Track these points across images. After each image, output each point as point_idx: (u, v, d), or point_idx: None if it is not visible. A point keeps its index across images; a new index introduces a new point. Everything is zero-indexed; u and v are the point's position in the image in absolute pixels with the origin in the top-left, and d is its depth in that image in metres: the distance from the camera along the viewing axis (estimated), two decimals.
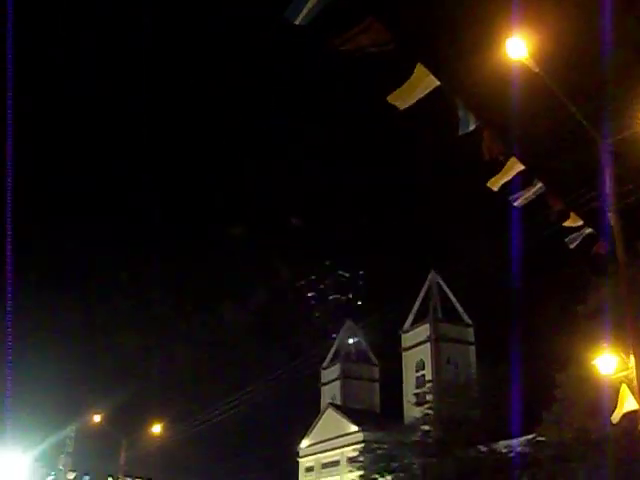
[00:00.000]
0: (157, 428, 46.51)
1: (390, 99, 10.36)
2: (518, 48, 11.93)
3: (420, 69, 10.12)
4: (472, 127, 11.11)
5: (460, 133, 11.02)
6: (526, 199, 12.93)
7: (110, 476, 53.90)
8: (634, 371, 12.90)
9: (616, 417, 13.77)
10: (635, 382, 12.84)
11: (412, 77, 10.17)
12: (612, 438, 24.10)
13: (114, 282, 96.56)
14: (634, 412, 13.12)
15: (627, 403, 13.27)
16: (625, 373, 13.29)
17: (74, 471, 65.36)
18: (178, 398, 71.88)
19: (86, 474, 62.02)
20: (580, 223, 13.67)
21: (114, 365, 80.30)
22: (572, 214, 13.63)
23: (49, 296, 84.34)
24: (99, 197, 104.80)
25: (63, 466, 69.65)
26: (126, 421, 50.83)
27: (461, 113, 10.96)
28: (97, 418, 45.94)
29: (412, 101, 10.37)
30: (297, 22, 8.92)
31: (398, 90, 10.25)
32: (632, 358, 13.02)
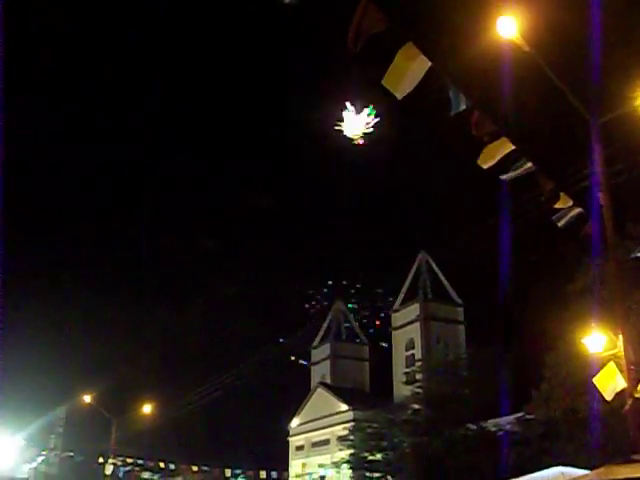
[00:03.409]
0: (147, 408, 46.53)
1: (384, 82, 10.27)
2: (508, 27, 11.84)
3: (410, 48, 10.03)
4: (463, 107, 11.05)
5: (452, 113, 10.97)
6: (514, 174, 12.88)
7: (101, 456, 53.91)
8: (622, 350, 12.96)
9: (609, 394, 13.75)
10: (623, 360, 12.90)
11: (402, 56, 10.07)
12: (600, 416, 24.28)
13: (104, 266, 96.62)
14: (621, 390, 13.17)
15: (615, 382, 13.31)
16: (613, 352, 13.33)
17: (66, 451, 65.49)
18: (169, 378, 71.96)
19: (78, 455, 62.12)
20: (570, 204, 13.66)
21: (104, 346, 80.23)
22: (562, 194, 13.62)
23: (39, 280, 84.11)
24: (86, 197, 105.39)
25: (53, 447, 69.83)
26: (116, 401, 50.86)
27: (452, 93, 10.90)
28: (87, 399, 45.92)
29: (409, 88, 10.29)
30: (286, 1, 8.91)
31: (389, 71, 10.15)
32: (620, 337, 13.07)
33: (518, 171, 12.76)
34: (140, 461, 63.22)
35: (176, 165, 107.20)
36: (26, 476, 69.21)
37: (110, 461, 45.52)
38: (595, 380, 13.54)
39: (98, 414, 46.95)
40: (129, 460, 62.02)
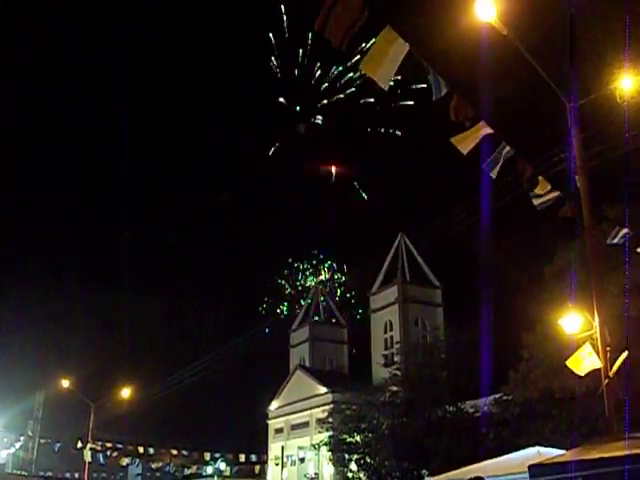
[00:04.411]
0: (126, 392, 46.44)
1: (362, 67, 10.25)
2: (487, 10, 11.83)
3: (389, 33, 10.00)
4: (444, 91, 11.04)
5: (434, 98, 10.96)
6: (498, 165, 12.91)
7: (79, 440, 53.81)
8: (598, 331, 13.11)
9: (581, 371, 13.85)
10: (599, 342, 13.06)
11: (381, 41, 10.05)
12: (576, 396, 24.57)
13: (79, 252, 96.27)
14: (597, 371, 13.32)
15: (590, 361, 13.45)
16: (589, 333, 13.46)
17: (44, 437, 65.22)
18: (147, 361, 71.83)
19: (56, 440, 61.85)
20: (548, 188, 13.75)
21: (82, 331, 79.84)
22: (541, 179, 13.71)
23: (14, 268, 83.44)
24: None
25: (32, 432, 69.52)
26: (95, 385, 50.77)
27: (431, 78, 10.88)
28: (65, 383, 45.72)
29: (388, 73, 10.27)
30: None
31: (368, 57, 10.12)
32: (596, 318, 13.21)
33: (500, 161, 12.80)
34: (119, 445, 63.13)
35: (141, 156, 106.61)
36: (4, 462, 68.95)
37: (89, 446, 45.41)
38: (568, 362, 13.68)
39: (77, 399, 46.82)
40: (108, 445, 61.88)
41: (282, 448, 60.49)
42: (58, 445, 61.68)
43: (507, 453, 19.94)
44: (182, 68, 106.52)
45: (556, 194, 13.81)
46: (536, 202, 13.90)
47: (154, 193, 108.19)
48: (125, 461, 63.95)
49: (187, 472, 65.73)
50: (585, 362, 13.41)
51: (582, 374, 13.70)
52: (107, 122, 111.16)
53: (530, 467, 10.81)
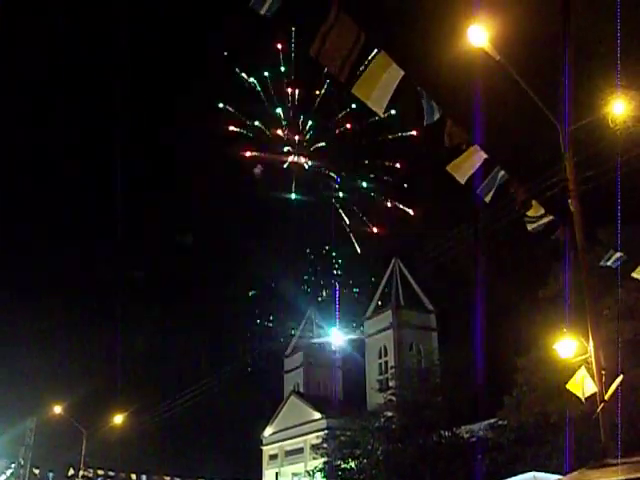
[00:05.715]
0: (119, 419, 46.11)
1: (355, 91, 10.26)
2: (479, 36, 11.94)
3: (383, 58, 10.04)
4: (437, 116, 11.08)
5: (426, 123, 10.99)
6: (492, 189, 12.93)
7: (71, 467, 53.31)
8: (593, 355, 13.08)
9: (582, 396, 13.79)
10: (594, 366, 13.03)
11: (375, 66, 10.08)
12: (571, 421, 24.48)
13: (73, 278, 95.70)
14: (592, 395, 13.28)
15: (586, 386, 13.42)
16: (584, 357, 13.43)
17: (36, 463, 64.48)
18: (140, 388, 71.27)
19: (47, 467, 61.21)
20: (542, 212, 13.81)
21: (75, 356, 79.30)
22: (534, 202, 13.77)
23: (6, 292, 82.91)
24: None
25: (23, 459, 68.77)
26: (87, 412, 50.33)
27: (425, 103, 10.91)
28: (57, 409, 45.41)
29: (382, 97, 10.30)
30: (262, 12, 8.93)
31: (361, 80, 10.14)
32: (591, 342, 13.19)
33: (494, 186, 12.83)
34: (111, 473, 62.53)
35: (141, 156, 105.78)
36: None
37: (81, 473, 44.98)
38: (568, 385, 13.63)
39: (69, 425, 46.44)
40: (100, 472, 61.31)
41: (276, 475, 60.01)
42: (51, 475, 61.05)
43: (503, 479, 19.83)
44: (182, 68, 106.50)
45: (549, 218, 13.87)
46: (530, 226, 13.95)
47: (154, 206, 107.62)
48: None
49: None
50: (582, 389, 13.38)
51: (584, 399, 13.64)
52: (107, 122, 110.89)
53: None
